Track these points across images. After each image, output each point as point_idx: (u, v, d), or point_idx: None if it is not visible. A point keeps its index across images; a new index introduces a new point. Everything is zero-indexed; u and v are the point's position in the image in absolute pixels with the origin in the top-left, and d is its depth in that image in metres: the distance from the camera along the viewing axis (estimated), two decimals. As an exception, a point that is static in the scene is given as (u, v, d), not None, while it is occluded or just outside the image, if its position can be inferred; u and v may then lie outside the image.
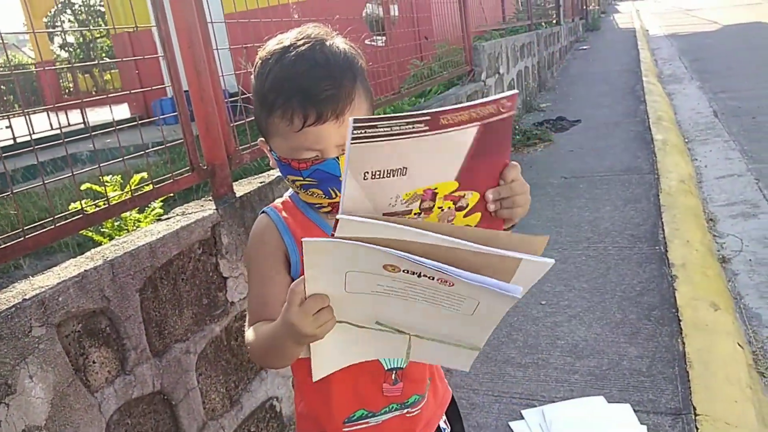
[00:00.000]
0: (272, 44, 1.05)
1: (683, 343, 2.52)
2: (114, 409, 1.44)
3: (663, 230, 3.64)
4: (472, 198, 0.92)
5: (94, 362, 1.40)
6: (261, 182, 2.08)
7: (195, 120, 1.89)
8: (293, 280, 1.08)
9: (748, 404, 2.18)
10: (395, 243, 0.79)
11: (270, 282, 1.09)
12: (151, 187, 1.75)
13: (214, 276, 1.80)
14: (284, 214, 1.13)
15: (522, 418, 2.19)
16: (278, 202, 1.16)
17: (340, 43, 1.06)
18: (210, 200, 1.92)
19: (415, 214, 0.88)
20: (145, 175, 2.12)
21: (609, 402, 2.23)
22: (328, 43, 1.03)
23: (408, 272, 0.82)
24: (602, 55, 13.17)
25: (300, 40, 1.03)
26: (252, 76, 1.07)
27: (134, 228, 2.19)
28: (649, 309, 2.81)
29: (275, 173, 2.24)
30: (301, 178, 1.04)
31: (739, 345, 2.57)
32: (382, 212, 0.84)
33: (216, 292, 1.81)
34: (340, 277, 0.85)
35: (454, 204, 0.91)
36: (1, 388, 1.20)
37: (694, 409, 2.14)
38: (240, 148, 2.07)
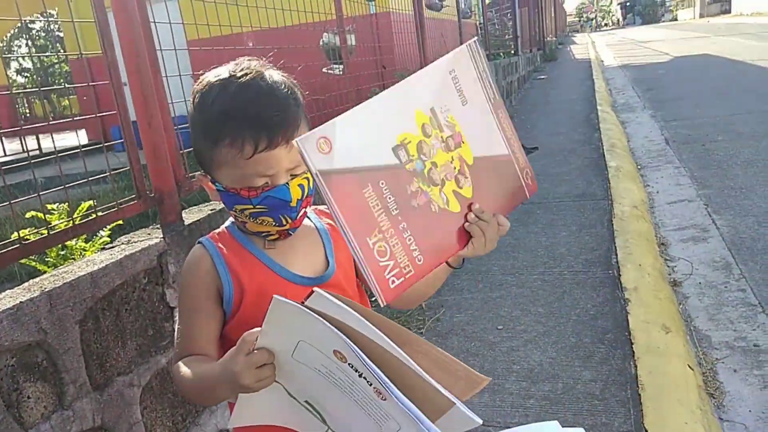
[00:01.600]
0: (210, 77, 1.05)
1: (635, 366, 2.56)
2: (49, 446, 1.38)
3: (616, 254, 3.71)
4: (467, 188, 1.03)
5: (28, 397, 1.34)
6: (211, 209, 2.06)
7: (143, 147, 1.87)
8: (224, 315, 1.07)
9: (698, 425, 2.22)
10: (355, 334, 0.83)
11: (199, 316, 1.08)
12: (95, 215, 1.71)
13: (160, 306, 1.76)
14: (221, 245, 1.11)
15: (477, 445, 2.18)
16: (215, 232, 1.15)
17: (276, 74, 1.07)
18: (158, 228, 1.88)
19: (438, 137, 1.00)
20: (92, 202, 2.08)
21: (563, 426, 2.23)
22: (266, 74, 1.05)
23: (352, 367, 0.84)
24: (559, 85, 13.55)
25: (239, 71, 1.04)
26: (190, 108, 1.08)
27: (80, 257, 2.13)
28: (602, 332, 2.85)
29: (227, 200, 2.21)
30: (251, 206, 1.03)
31: (689, 367, 2.62)
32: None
33: (162, 322, 1.77)
34: (292, 342, 0.87)
35: (459, 168, 1.02)
36: (-77, 427, 1.14)
37: (646, 431, 2.16)
38: (190, 175, 2.05)
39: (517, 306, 3.22)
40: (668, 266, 3.79)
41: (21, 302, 1.35)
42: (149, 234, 1.84)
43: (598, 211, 4.58)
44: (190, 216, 1.99)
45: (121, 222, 2.46)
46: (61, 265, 2.06)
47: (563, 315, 3.06)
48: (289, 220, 1.05)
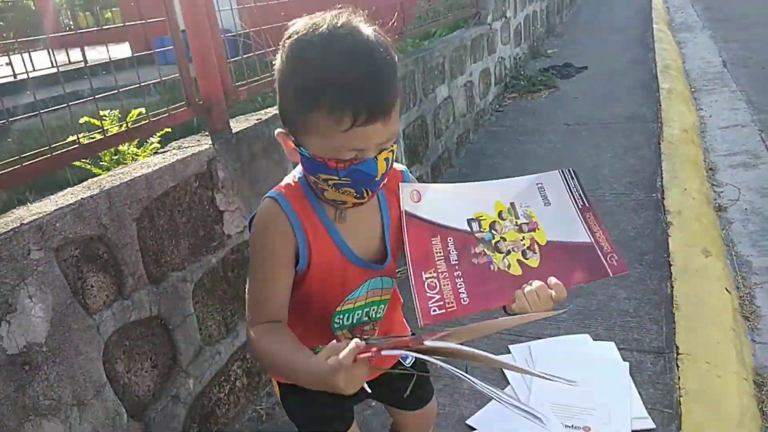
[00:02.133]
0: (305, 28, 0.96)
1: (672, 287, 2.58)
2: (112, 330, 1.50)
3: (662, 178, 3.65)
4: (533, 260, 1.17)
5: (92, 286, 1.45)
6: (258, 119, 2.10)
7: (191, 58, 1.89)
8: (296, 275, 1.08)
9: (729, 346, 2.25)
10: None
11: (278, 280, 1.07)
12: (147, 120, 1.76)
13: (210, 209, 1.84)
14: (293, 204, 1.08)
15: (509, 352, 2.27)
16: (285, 185, 1.10)
17: (375, 34, 0.98)
18: (207, 136, 1.94)
19: (513, 221, 1.18)
20: (143, 110, 2.14)
21: (594, 340, 2.29)
22: (367, 35, 0.96)
23: None
24: (613, 2, 12.83)
25: (338, 28, 0.95)
26: (279, 60, 0.99)
27: (133, 162, 2.22)
28: (641, 254, 2.86)
29: (272, 110, 2.25)
30: (337, 178, 1.00)
31: (726, 290, 2.62)
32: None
33: (213, 224, 1.85)
34: None
35: (529, 245, 1.17)
36: (1, 306, 1.25)
37: (677, 348, 2.20)
38: (237, 84, 2.08)
39: (556, 226, 3.22)
40: (715, 191, 3.71)
41: (82, 198, 1.44)
42: (199, 141, 1.90)
43: (646, 134, 4.46)
44: (237, 125, 2.03)
45: (169, 130, 2.54)
46: (114, 168, 2.15)
47: (602, 236, 3.06)
48: (370, 193, 1.03)
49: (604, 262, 1.21)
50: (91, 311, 1.45)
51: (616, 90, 5.79)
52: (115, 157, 2.24)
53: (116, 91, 1.74)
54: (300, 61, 0.95)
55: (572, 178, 1.21)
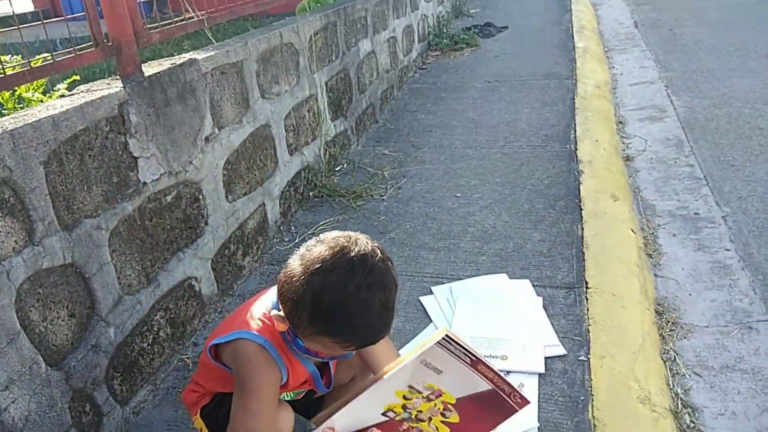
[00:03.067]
0: (332, 251, 1.14)
1: (582, 228, 2.73)
2: (23, 278, 1.45)
3: (575, 131, 3.81)
4: (453, 416, 1.34)
5: (-2, 230, 1.39)
6: (172, 63, 2.03)
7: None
8: None
9: (634, 280, 2.42)
10: None
11: (276, 404, 1.29)
12: (52, 59, 1.68)
13: (123, 155, 1.79)
14: (279, 351, 1.28)
15: (431, 293, 2.35)
16: (264, 327, 1.28)
17: (389, 265, 1.18)
18: (117, 79, 1.87)
19: (418, 396, 1.31)
20: (47, 55, 2.03)
21: (511, 278, 2.41)
22: (388, 277, 1.16)
23: None
24: (534, -35, 13.04)
25: (363, 273, 1.12)
26: (300, 276, 1.14)
27: (39, 112, 2.11)
28: (555, 200, 3.00)
29: (187, 56, 2.19)
30: (317, 359, 1.33)
31: (632, 231, 2.80)
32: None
33: (127, 171, 1.81)
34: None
35: (443, 407, 1.32)
36: None
37: (586, 283, 2.35)
38: (149, 27, 2.00)
39: (476, 176, 3.33)
40: (624, 143, 3.92)
41: (-17, 140, 1.37)
42: (108, 84, 1.83)
43: (561, 90, 4.63)
44: (150, 69, 1.97)
45: (77, 77, 2.43)
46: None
47: (519, 184, 3.19)
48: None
49: (509, 402, 1.36)
50: (0, 257, 1.40)
51: (534, 49, 5.95)
52: (19, 106, 2.13)
53: (17, 27, 1.64)
54: (323, 280, 1.12)
55: (450, 342, 1.21)
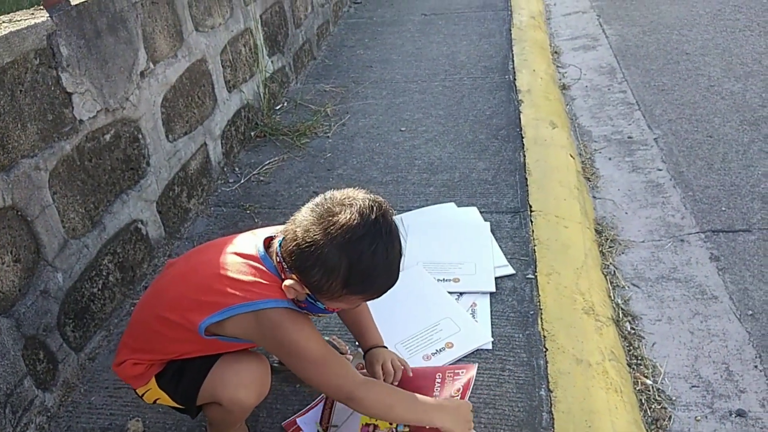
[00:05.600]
0: (359, 217, 1.15)
1: (524, 156, 2.80)
2: (-39, 221, 1.38)
3: (513, 61, 3.85)
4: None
5: (-72, 172, 1.31)
6: (99, -7, 1.91)
7: None
8: None
9: (574, 202, 2.52)
10: None
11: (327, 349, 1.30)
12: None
13: (57, 91, 1.69)
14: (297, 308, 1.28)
15: (382, 225, 2.38)
16: (279, 293, 1.24)
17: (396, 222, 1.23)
18: (41, 9, 1.74)
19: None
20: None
21: (459, 206, 2.46)
22: (399, 233, 1.22)
23: None
24: None
25: (382, 217, 1.18)
26: (325, 239, 1.15)
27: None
28: (497, 129, 3.05)
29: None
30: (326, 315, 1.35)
31: (571, 156, 2.89)
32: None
33: (61, 108, 1.71)
34: None
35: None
36: None
37: (530, 207, 2.43)
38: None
39: (419, 110, 3.33)
40: (560, 72, 4.00)
41: None
42: (33, 14, 1.70)
43: (497, 22, 4.63)
44: (75, -1, 1.84)
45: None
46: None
47: (462, 116, 3.22)
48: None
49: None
50: (-68, 200, 1.31)
51: (469, -19, 5.88)
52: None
53: None
54: (354, 246, 1.15)
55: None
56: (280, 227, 1.37)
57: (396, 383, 1.54)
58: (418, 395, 1.38)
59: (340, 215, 1.16)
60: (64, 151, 1.72)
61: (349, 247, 1.14)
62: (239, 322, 1.23)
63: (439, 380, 1.62)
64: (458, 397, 1.55)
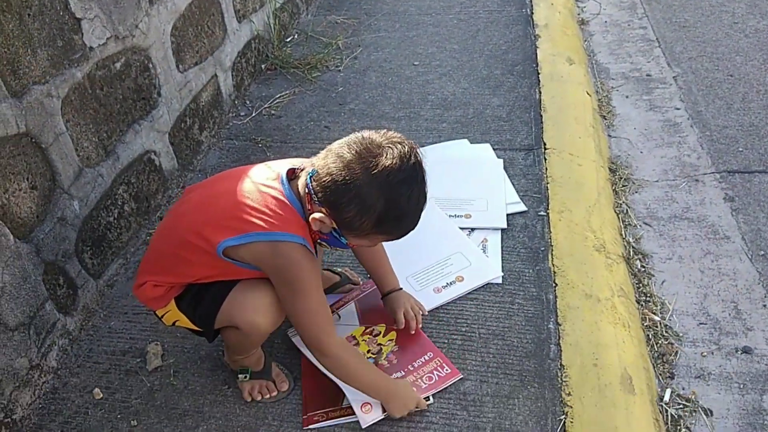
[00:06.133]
0: (400, 161, 1.17)
1: (540, 92, 2.75)
2: (-23, 147, 1.38)
3: (531, -6, 3.73)
4: (380, 326, 1.65)
5: (-58, 96, 1.30)
6: None
7: None
8: None
9: (589, 140, 2.49)
10: None
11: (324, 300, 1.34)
12: None
13: (65, 16, 1.65)
14: (311, 245, 1.29)
15: (395, 160, 2.36)
16: (299, 229, 1.26)
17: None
18: (47, -70, 1.68)
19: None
20: None
21: (472, 143, 2.44)
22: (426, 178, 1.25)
23: None
24: None
25: (419, 164, 1.22)
26: (365, 180, 1.16)
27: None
28: (512, 65, 2.98)
29: None
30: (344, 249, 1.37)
31: (587, 93, 2.84)
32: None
33: (71, 34, 1.68)
34: None
35: (371, 334, 1.64)
36: None
37: (544, 144, 2.41)
38: None
39: (433, 44, 3.25)
40: (578, 7, 3.87)
41: None
42: (38, -66, 1.65)
43: (515, -47, 4.45)
44: None
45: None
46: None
47: (477, 50, 3.15)
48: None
49: (366, 290, 1.78)
50: (-53, 124, 1.31)
51: None
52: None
53: None
54: (393, 191, 1.18)
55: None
56: (297, 160, 1.37)
57: (412, 332, 1.62)
58: (378, 373, 1.46)
59: (381, 157, 1.17)
60: (75, 78, 1.70)
61: (390, 188, 1.17)
62: (255, 249, 1.25)
63: (424, 360, 1.59)
64: (425, 387, 1.52)
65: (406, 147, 1.21)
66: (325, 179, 1.20)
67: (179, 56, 2.27)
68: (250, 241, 1.24)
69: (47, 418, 1.55)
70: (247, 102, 2.86)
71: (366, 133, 1.23)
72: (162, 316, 1.43)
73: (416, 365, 1.57)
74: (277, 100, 2.84)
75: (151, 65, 2.08)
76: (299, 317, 1.31)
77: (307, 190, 1.24)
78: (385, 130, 1.24)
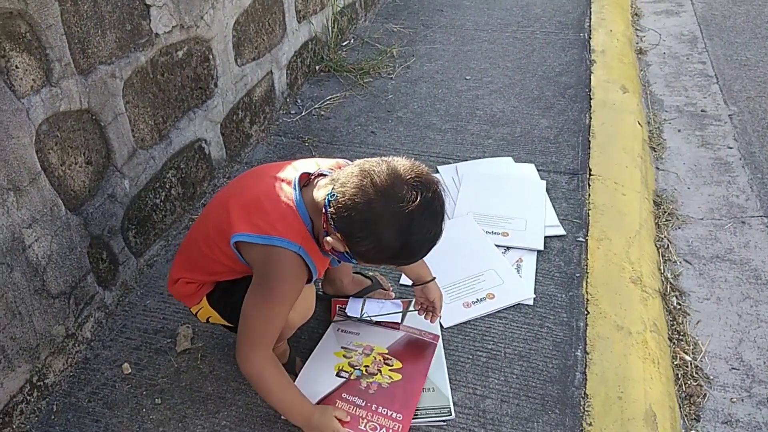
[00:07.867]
0: (422, 198, 1.15)
1: (590, 117, 2.72)
2: (42, 118, 1.44)
3: (590, 19, 3.70)
4: (396, 363, 1.60)
5: (17, 67, 1.36)
6: None
7: None
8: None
9: (636, 170, 2.45)
10: None
11: (285, 319, 1.32)
12: None
13: (136, 2, 1.72)
14: (312, 257, 1.28)
15: (437, 172, 2.38)
16: (298, 235, 1.26)
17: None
18: None
19: (356, 353, 1.62)
20: None
21: (516, 162, 2.43)
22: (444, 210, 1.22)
23: None
24: None
25: (439, 198, 1.20)
26: (379, 213, 1.14)
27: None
28: (565, 88, 2.97)
29: None
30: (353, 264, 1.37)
31: (639, 123, 2.80)
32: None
33: (139, 19, 1.74)
34: None
35: (383, 358, 1.60)
36: None
37: (590, 170, 2.38)
38: None
39: (487, 60, 3.26)
40: (638, 35, 3.83)
41: (-5, -31, 1.30)
42: None
43: (578, -24, 4.42)
44: None
45: None
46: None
47: (530, 70, 3.14)
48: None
49: (424, 339, 1.66)
50: (19, 94, 1.37)
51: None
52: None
53: None
54: (402, 221, 1.15)
55: (346, 316, 1.73)
56: (324, 162, 1.38)
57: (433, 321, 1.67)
58: (299, 397, 1.38)
59: (405, 202, 1.14)
60: (139, 62, 1.76)
61: (410, 233, 1.16)
62: (252, 248, 1.28)
63: (391, 414, 1.47)
64: (362, 428, 1.44)
65: (431, 191, 1.17)
66: (343, 211, 1.16)
67: (239, 50, 2.33)
68: (254, 242, 1.26)
69: (76, 386, 1.60)
70: (298, 101, 2.91)
71: (393, 163, 1.18)
72: (196, 313, 1.49)
73: (380, 411, 1.46)
74: (328, 102, 2.89)
75: (211, 56, 2.14)
76: (250, 317, 1.29)
77: (324, 211, 1.22)
78: (412, 161, 1.20)
